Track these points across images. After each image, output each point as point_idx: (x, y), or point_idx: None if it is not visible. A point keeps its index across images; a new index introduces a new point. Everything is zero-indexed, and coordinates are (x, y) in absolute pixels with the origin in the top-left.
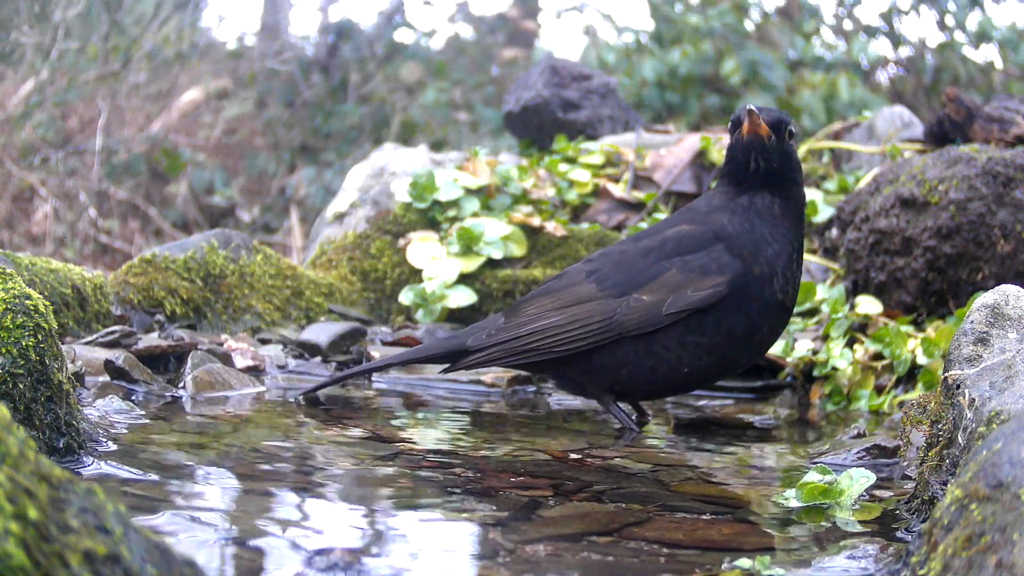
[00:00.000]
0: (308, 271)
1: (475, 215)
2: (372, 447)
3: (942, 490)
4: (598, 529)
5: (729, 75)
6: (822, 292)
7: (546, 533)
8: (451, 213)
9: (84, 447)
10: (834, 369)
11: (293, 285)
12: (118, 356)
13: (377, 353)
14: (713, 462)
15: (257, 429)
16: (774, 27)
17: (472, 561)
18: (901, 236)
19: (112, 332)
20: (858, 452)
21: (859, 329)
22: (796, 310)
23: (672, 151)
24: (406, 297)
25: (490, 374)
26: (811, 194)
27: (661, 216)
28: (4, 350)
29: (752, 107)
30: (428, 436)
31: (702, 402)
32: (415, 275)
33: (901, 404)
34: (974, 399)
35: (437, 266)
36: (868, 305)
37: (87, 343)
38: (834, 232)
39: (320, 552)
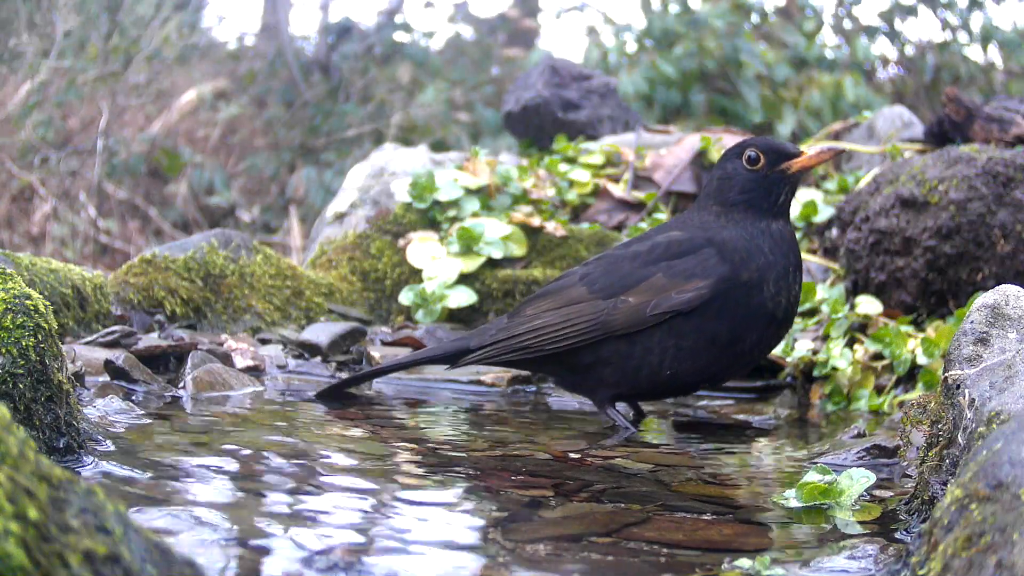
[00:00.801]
0: (308, 271)
1: (475, 215)
2: (372, 447)
3: (942, 490)
4: (598, 529)
5: (736, 67)
6: (822, 292)
7: (546, 533)
8: (451, 213)
9: (84, 447)
10: (834, 369)
11: (293, 285)
12: (118, 356)
13: (377, 353)
14: (713, 462)
15: (257, 429)
16: (776, 26)
17: (472, 561)
18: (901, 236)
19: (112, 332)
20: (858, 452)
21: (859, 329)
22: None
23: (672, 151)
24: (406, 297)
25: (490, 374)
26: (811, 194)
27: (661, 216)
28: (4, 350)
29: (838, 147)
30: (428, 436)
31: (702, 402)
32: (415, 275)
33: (901, 404)
34: (974, 399)
35: (437, 266)
36: (868, 305)
37: (87, 343)
38: (834, 232)
39: (320, 552)
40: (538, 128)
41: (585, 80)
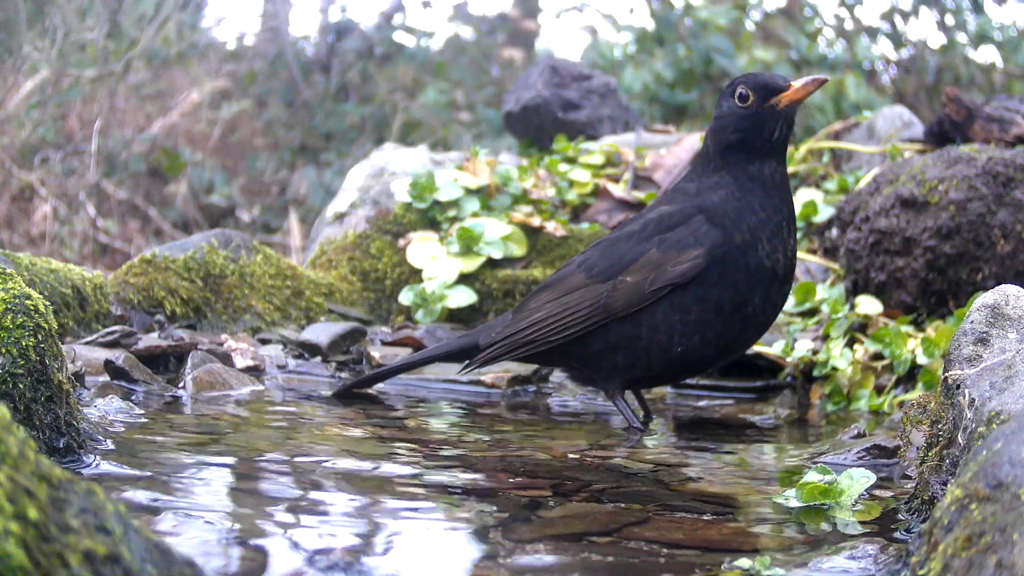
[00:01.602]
0: (308, 271)
1: (475, 215)
2: (372, 447)
3: (942, 490)
4: (598, 529)
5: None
6: (822, 292)
7: (546, 533)
8: (451, 213)
9: (84, 447)
10: (834, 369)
11: (293, 285)
12: (118, 356)
13: (377, 353)
14: (713, 462)
15: (257, 429)
16: (777, 26)
17: (472, 561)
18: (901, 236)
19: (112, 332)
20: (858, 452)
21: (859, 329)
22: (796, 310)
23: (672, 151)
24: (406, 297)
25: (490, 374)
26: (811, 194)
27: None
28: (4, 350)
29: (822, 76)
30: (428, 436)
31: (702, 402)
32: (415, 275)
33: (901, 404)
34: (974, 399)
35: (437, 266)
36: (868, 305)
37: (87, 343)
38: (834, 232)
39: (320, 552)
40: (538, 128)
41: (585, 80)
